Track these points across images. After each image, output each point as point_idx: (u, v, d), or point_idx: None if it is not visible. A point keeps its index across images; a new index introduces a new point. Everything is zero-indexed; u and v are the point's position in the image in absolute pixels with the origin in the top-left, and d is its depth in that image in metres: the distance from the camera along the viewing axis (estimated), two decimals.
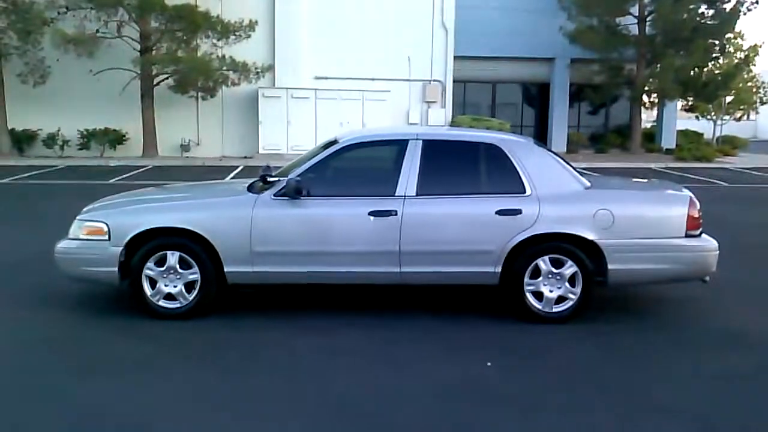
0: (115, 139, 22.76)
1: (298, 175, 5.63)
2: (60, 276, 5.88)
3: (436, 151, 5.75)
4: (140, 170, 19.16)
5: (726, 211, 11.90)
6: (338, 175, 5.89)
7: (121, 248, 5.54)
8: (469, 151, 5.82)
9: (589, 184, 5.83)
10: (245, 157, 23.07)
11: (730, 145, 29.82)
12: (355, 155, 5.90)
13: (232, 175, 18.16)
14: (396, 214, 5.50)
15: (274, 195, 5.60)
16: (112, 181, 16.35)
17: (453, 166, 5.78)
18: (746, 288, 6.83)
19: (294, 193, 5.53)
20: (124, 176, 17.40)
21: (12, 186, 15.56)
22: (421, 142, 5.77)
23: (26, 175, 17.44)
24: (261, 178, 5.72)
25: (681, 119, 31.52)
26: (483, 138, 5.93)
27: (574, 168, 5.97)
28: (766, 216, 12.01)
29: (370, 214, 5.51)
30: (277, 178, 5.71)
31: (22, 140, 22.57)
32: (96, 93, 22.04)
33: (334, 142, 5.96)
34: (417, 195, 5.58)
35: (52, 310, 5.92)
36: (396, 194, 5.58)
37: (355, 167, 6.02)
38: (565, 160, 6.01)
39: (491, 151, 5.76)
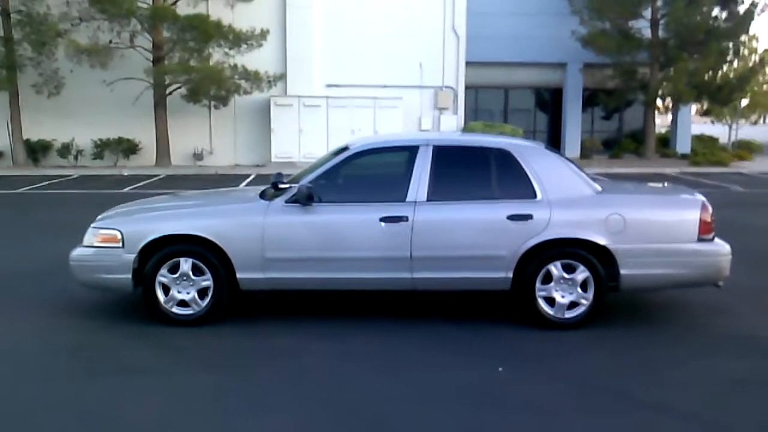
0: (129, 148, 22.92)
1: (310, 182, 5.65)
2: (75, 283, 5.94)
3: (446, 157, 5.74)
4: (153, 179, 19.27)
5: (741, 216, 11.80)
6: (349, 181, 5.91)
7: (134, 255, 5.58)
8: (479, 157, 5.82)
9: (600, 188, 5.82)
10: (258, 166, 23.14)
11: (745, 149, 29.54)
12: (366, 161, 5.91)
13: (244, 183, 18.23)
14: (407, 220, 5.51)
15: (286, 201, 5.63)
16: (125, 190, 16.46)
17: (464, 171, 5.78)
18: (760, 293, 6.77)
19: (305, 199, 5.54)
20: (138, 185, 17.51)
21: (27, 195, 15.72)
22: (431, 147, 5.77)
23: (41, 184, 17.60)
24: (273, 185, 5.75)
25: (696, 124, 31.30)
26: (493, 143, 5.93)
27: (585, 173, 5.95)
28: None
29: (382, 220, 5.52)
30: (288, 185, 5.73)
31: (36, 150, 22.77)
32: (109, 103, 22.20)
33: (345, 149, 5.98)
34: (428, 200, 5.57)
35: (72, 316, 5.99)
36: (407, 200, 5.58)
37: (366, 173, 6.03)
38: (576, 165, 5.99)
39: (502, 156, 5.75)
